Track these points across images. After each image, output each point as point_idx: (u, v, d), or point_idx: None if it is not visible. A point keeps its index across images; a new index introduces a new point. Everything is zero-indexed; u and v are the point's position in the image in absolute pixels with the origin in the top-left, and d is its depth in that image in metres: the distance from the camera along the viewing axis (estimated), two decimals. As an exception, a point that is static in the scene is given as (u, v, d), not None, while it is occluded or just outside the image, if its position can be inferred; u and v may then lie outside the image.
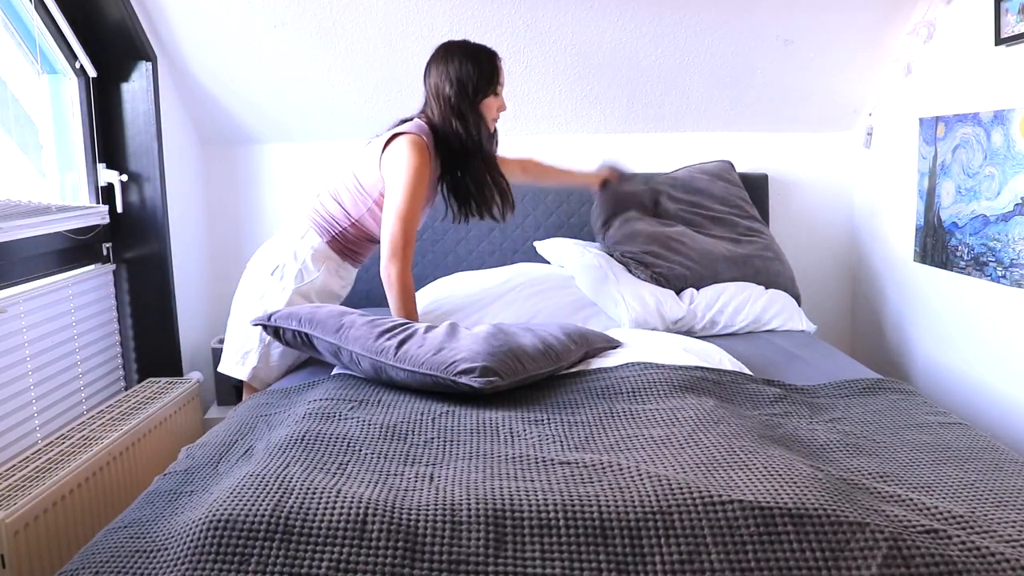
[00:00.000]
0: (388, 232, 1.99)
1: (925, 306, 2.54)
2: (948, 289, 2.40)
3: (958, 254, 2.31)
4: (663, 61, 2.68)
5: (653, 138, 2.95)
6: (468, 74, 2.00)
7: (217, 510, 1.15)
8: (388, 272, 1.99)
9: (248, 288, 2.17)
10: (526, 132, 2.92)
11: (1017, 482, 1.30)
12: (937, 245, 2.41)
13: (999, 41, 2.08)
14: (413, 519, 1.13)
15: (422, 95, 2.11)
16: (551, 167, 2.48)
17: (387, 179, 2.02)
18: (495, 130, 2.15)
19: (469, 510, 1.15)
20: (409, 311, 2.02)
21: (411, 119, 2.09)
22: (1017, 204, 2.05)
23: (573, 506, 1.15)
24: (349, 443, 1.44)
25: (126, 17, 2.36)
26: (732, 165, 2.83)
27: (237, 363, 2.14)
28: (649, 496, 1.16)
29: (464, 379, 1.62)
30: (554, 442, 1.45)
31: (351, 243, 2.15)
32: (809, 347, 2.22)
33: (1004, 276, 2.11)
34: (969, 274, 2.27)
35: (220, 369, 2.20)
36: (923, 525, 1.12)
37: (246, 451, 1.50)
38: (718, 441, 1.39)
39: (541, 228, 2.85)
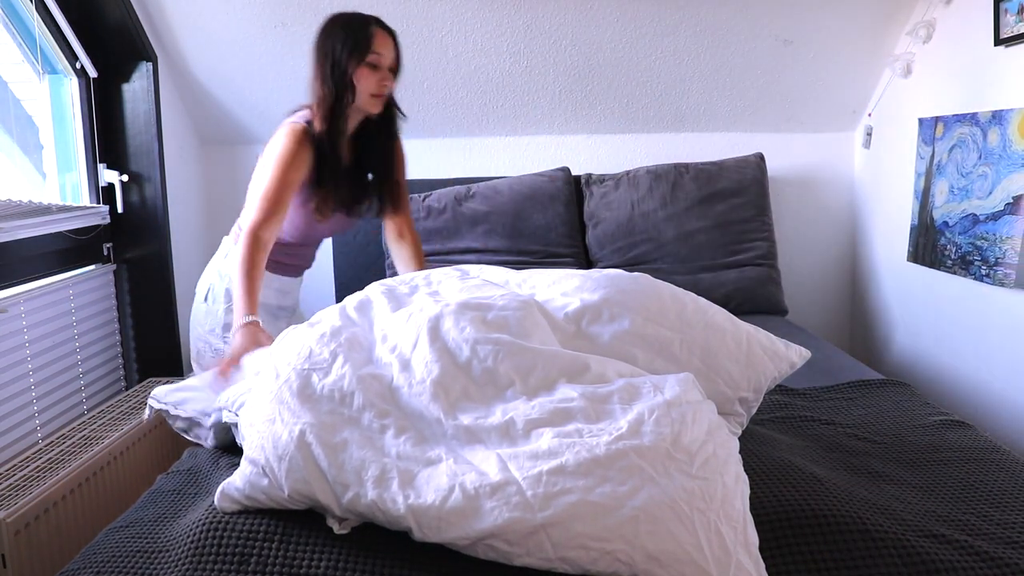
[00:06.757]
0: (248, 212, 1.78)
1: (917, 305, 2.54)
2: (936, 288, 2.41)
3: (946, 253, 2.31)
4: (663, 61, 2.68)
5: (653, 138, 2.95)
6: (334, 45, 1.74)
7: (217, 510, 1.16)
8: (240, 246, 1.72)
9: (193, 319, 2.02)
10: (526, 132, 2.92)
11: (1018, 483, 1.30)
12: (928, 244, 2.41)
13: (998, 41, 2.08)
14: (413, 519, 1.13)
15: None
16: (417, 258, 2.08)
17: (259, 166, 1.83)
18: (389, 113, 1.88)
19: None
20: (245, 279, 1.69)
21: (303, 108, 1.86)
22: (1008, 203, 2.05)
23: (572, 507, 1.15)
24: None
25: (126, 17, 2.37)
26: None
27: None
28: (648, 497, 1.16)
29: None
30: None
31: None
32: (809, 347, 2.21)
33: (988, 275, 2.11)
34: (955, 273, 2.27)
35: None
36: (924, 527, 1.12)
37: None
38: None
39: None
